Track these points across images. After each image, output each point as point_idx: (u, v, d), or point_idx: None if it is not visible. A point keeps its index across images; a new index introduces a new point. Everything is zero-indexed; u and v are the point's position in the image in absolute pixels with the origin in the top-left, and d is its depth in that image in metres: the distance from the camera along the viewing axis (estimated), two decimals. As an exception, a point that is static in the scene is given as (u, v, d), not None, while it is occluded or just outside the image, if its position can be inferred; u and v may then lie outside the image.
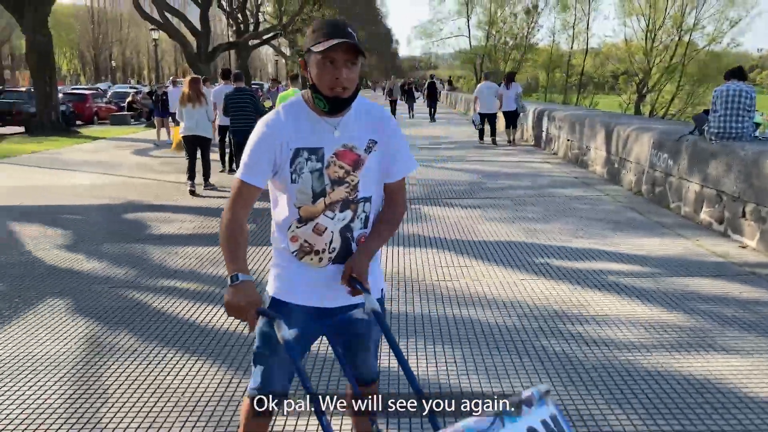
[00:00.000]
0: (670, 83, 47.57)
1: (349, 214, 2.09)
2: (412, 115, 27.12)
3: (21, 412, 3.16)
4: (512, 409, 1.51)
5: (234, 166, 10.95)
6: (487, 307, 4.53)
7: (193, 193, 9.25)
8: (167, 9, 30.02)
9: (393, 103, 27.19)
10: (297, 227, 2.09)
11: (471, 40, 54.16)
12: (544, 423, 1.53)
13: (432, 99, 25.45)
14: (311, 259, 2.10)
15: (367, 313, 2.07)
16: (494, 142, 15.61)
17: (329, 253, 2.10)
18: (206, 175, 9.78)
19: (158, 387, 3.42)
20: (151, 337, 4.08)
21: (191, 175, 9.38)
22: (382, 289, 2.27)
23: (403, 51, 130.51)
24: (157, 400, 3.27)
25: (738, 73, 7.13)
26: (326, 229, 2.08)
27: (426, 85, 28.84)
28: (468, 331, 4.11)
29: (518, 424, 1.49)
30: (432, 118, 24.95)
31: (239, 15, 43.59)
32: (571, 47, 55.16)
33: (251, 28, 44.89)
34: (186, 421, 3.07)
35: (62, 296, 4.90)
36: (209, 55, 37.82)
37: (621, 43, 51.88)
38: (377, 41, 77.69)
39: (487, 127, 15.75)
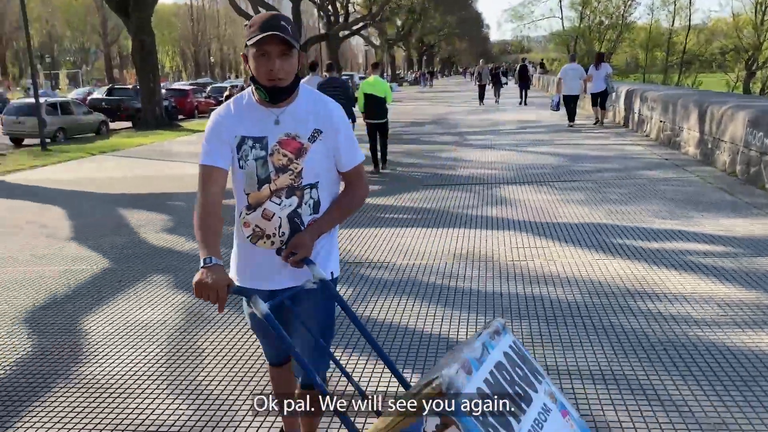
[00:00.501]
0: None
1: (295, 200, 2.16)
2: (498, 101, 26.59)
3: (129, 370, 3.59)
4: (492, 339, 1.85)
5: None
6: (559, 285, 4.61)
7: None
8: (261, 5, 31.08)
9: (482, 88, 26.68)
10: (247, 213, 2.20)
11: (564, 21, 52.60)
12: (510, 347, 1.91)
13: (524, 82, 25.10)
14: (264, 242, 2.20)
15: (315, 282, 2.13)
16: (572, 123, 15.42)
17: (279, 237, 2.18)
18: None
19: (246, 351, 3.77)
20: (240, 309, 4.46)
21: None
22: (332, 272, 2.27)
23: (494, 35, 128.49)
24: (244, 363, 3.62)
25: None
26: (274, 214, 2.17)
27: (518, 68, 28.43)
28: (538, 307, 4.22)
29: (497, 350, 1.84)
30: (524, 102, 24.60)
31: (330, 7, 44.50)
32: (672, 24, 52.44)
33: (341, 19, 45.73)
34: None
35: (163, 273, 5.39)
36: (302, 48, 38.81)
37: (728, 17, 48.72)
38: (467, 26, 76.93)
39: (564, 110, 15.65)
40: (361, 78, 19.96)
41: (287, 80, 2.08)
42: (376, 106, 10.12)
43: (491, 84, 27.78)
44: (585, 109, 17.68)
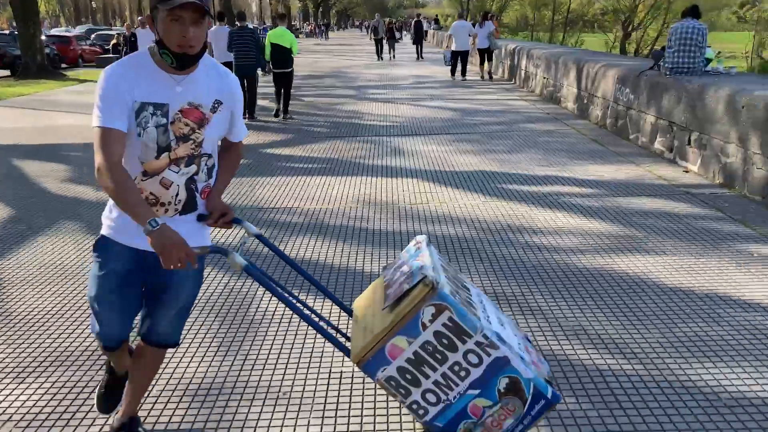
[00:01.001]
0: (656, 21, 47.46)
1: (193, 168, 2.17)
2: (394, 56, 27.06)
3: (49, 305, 3.81)
4: (428, 247, 2.46)
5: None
6: (450, 223, 5.18)
7: None
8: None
9: (378, 42, 26.75)
10: (142, 180, 2.12)
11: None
12: (437, 254, 2.47)
13: (419, 37, 25.63)
14: (156, 210, 2.15)
15: (250, 237, 2.37)
16: (464, 77, 16.62)
17: (175, 204, 2.18)
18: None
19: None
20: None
21: None
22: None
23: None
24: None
25: (693, 12, 7.62)
26: (172, 183, 2.14)
27: (412, 24, 28.89)
28: (435, 242, 4.77)
29: (435, 254, 2.44)
30: (420, 56, 25.18)
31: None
32: (558, -16, 54.52)
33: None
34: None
35: (72, 220, 5.49)
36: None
37: (608, -21, 51.38)
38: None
39: (460, 66, 16.76)
40: (263, 30, 19.67)
41: (197, 47, 2.02)
42: (281, 56, 10.56)
43: (386, 39, 27.73)
44: (475, 64, 18.53)
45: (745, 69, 31.72)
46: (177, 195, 2.16)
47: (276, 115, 10.87)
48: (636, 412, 2.67)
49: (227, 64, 11.25)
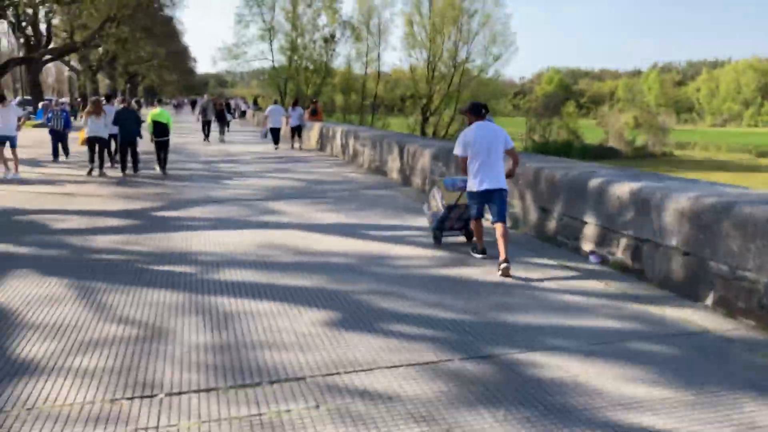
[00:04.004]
0: (449, 108, 54.45)
1: None
2: (223, 139, 25.98)
3: None
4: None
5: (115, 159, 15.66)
6: (323, 256, 7.17)
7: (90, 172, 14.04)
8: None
9: (206, 124, 25.32)
10: None
11: (275, 63, 57.03)
12: None
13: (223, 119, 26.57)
14: None
15: None
16: (276, 147, 21.81)
17: None
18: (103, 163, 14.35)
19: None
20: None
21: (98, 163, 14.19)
22: None
23: (203, 69, 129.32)
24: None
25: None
26: None
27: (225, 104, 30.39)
28: (313, 268, 6.71)
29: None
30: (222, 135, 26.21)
31: (30, 29, 41.89)
32: (365, 72, 60.34)
33: (43, 42, 43.31)
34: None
35: None
36: (0, 69, 36.23)
37: (407, 71, 58.02)
38: (176, 59, 77.19)
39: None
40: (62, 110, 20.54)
41: None
42: (161, 129, 14.81)
43: (215, 120, 26.27)
44: (311, 140, 20.96)
45: (521, 148, 38.13)
46: None
47: (162, 175, 14.52)
48: None
49: (113, 135, 14.90)
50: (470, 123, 7.03)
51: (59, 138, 17.40)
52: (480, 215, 7.04)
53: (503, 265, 6.36)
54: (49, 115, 17.99)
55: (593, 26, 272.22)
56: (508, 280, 6.25)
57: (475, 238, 7.29)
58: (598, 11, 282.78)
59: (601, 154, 48.71)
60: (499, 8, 58.42)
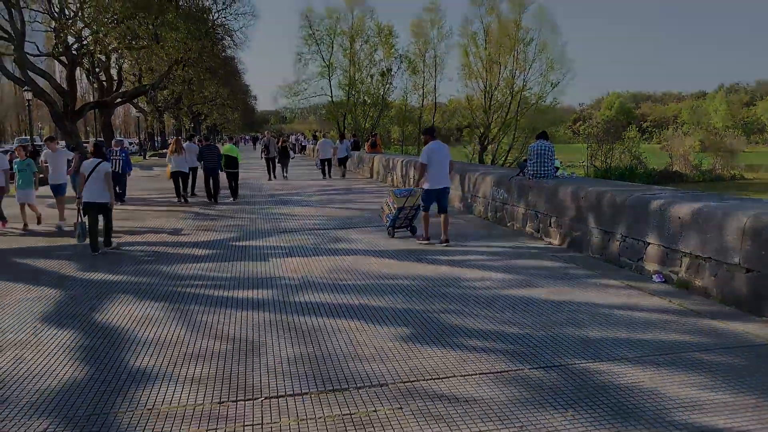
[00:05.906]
0: (507, 136, 54.50)
1: None
2: (286, 176, 25.51)
3: None
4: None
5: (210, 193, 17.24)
6: (401, 278, 7.58)
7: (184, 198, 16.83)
8: (32, 69, 30.25)
9: (270, 161, 24.78)
10: None
11: (333, 98, 58.64)
12: None
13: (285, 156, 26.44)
14: None
15: None
16: (328, 176, 24.85)
17: None
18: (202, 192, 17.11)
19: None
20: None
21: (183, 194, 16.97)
22: None
23: (264, 106, 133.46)
24: (242, 322, 5.96)
25: (543, 135, 10.91)
26: None
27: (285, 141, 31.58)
28: (391, 290, 7.12)
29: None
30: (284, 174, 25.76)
31: (103, 74, 44.51)
32: (422, 104, 61.20)
33: (114, 86, 45.93)
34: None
35: None
36: (78, 114, 38.61)
37: (464, 101, 58.52)
38: (238, 98, 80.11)
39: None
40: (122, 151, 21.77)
41: None
42: (232, 162, 17.22)
43: (278, 158, 25.55)
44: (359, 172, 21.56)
45: (583, 174, 37.87)
46: None
47: (234, 200, 17.14)
48: None
49: (194, 169, 17.80)
50: (426, 142, 9.76)
51: (116, 181, 15.81)
52: (428, 210, 9.72)
53: (445, 243, 9.47)
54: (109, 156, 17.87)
55: (654, 50, 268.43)
56: (574, 299, 6.51)
57: (422, 230, 9.86)
58: (656, 35, 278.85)
59: (666, 178, 47.67)
60: (555, 36, 58.20)
